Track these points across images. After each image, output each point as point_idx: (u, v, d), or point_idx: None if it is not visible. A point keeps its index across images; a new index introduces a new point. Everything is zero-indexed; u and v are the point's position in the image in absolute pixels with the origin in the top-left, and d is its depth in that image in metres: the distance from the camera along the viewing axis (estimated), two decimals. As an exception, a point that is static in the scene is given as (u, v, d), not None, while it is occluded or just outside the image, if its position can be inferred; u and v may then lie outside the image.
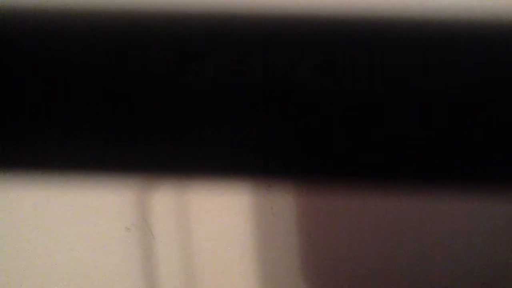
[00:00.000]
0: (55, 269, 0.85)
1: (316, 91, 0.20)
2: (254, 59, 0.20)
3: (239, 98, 0.20)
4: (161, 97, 0.20)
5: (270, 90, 0.20)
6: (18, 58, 0.20)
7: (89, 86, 0.20)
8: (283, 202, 0.85)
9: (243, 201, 0.85)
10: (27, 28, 0.20)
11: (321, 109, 0.20)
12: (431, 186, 0.21)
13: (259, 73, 0.20)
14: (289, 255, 0.87)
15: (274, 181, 0.22)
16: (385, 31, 0.20)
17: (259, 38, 0.20)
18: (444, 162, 0.20)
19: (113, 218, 0.84)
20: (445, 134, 0.20)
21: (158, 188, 0.83)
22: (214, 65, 0.20)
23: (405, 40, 0.20)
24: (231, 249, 0.86)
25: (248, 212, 0.85)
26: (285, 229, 0.86)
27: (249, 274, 0.87)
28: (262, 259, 0.87)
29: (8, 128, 0.20)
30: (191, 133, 0.20)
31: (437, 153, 0.20)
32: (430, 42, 0.20)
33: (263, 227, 0.86)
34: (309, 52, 0.20)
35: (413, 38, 0.20)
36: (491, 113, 0.20)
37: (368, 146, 0.20)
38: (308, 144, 0.20)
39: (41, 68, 0.20)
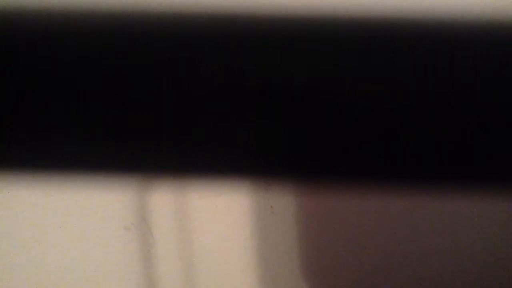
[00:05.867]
0: (54, 269, 0.85)
1: (316, 91, 0.20)
2: (255, 59, 0.20)
3: (239, 98, 0.20)
4: (160, 96, 0.20)
5: (270, 90, 0.20)
6: (18, 58, 0.20)
7: (88, 86, 0.20)
8: (283, 202, 0.85)
9: (242, 200, 0.85)
10: (27, 28, 0.20)
11: (321, 109, 0.20)
12: (431, 186, 0.21)
13: (259, 73, 0.20)
14: (289, 255, 0.87)
15: (274, 181, 0.22)
16: (383, 31, 0.20)
17: (260, 38, 0.20)
18: (444, 162, 0.20)
19: (112, 217, 0.84)
20: (445, 134, 0.20)
21: (158, 188, 0.83)
22: (214, 65, 0.20)
23: (403, 41, 0.20)
24: (231, 248, 0.86)
25: (247, 212, 0.85)
26: (285, 229, 0.86)
27: (249, 273, 0.87)
28: (262, 258, 0.87)
29: (8, 128, 0.20)
30: (190, 132, 0.20)
31: (437, 153, 0.20)
32: (429, 42, 0.20)
33: (263, 227, 0.86)
34: (310, 52, 0.20)
35: (411, 38, 0.20)
36: (492, 113, 0.20)
37: (368, 146, 0.20)
38: (308, 143, 0.20)
39: (41, 68, 0.20)
